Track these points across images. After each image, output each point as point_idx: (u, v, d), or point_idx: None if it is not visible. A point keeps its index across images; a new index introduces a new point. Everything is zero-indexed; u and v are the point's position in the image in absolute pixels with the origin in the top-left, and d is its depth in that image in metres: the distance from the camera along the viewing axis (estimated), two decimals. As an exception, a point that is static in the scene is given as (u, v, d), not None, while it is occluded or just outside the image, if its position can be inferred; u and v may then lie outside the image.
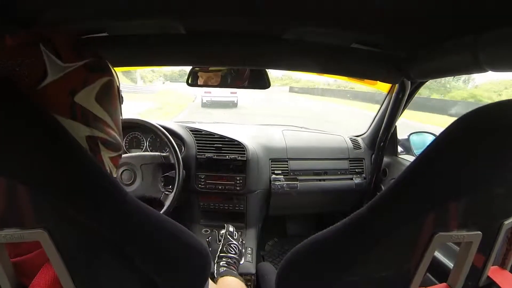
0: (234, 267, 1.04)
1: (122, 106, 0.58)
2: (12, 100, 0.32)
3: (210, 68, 1.24)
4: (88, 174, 0.35)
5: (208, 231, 1.50)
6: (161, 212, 1.29)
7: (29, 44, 0.42)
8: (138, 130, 1.53)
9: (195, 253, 0.46)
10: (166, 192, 1.33)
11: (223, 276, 0.94)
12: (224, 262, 1.04)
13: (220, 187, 1.49)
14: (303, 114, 12.12)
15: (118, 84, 0.55)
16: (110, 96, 0.50)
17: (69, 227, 0.35)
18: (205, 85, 1.27)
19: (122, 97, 0.57)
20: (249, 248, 1.41)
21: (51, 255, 0.34)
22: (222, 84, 1.26)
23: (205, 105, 13.35)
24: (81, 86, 0.44)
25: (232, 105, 13.72)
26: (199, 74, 1.25)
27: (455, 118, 0.39)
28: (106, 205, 0.36)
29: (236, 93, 13.69)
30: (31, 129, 0.32)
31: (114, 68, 0.55)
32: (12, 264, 0.38)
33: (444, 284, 0.43)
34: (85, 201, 0.34)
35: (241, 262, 1.10)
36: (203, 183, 1.49)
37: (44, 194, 0.32)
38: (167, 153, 1.33)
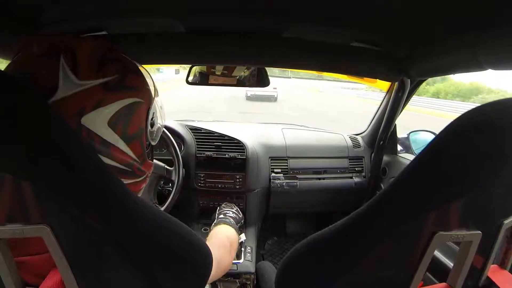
0: (232, 218, 1.00)
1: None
2: (19, 99, 0.32)
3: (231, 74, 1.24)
4: (93, 174, 0.35)
5: (207, 229, 1.49)
6: None
7: (51, 54, 0.40)
8: None
9: (198, 252, 0.46)
10: (157, 205, 1.31)
11: (216, 225, 0.92)
12: (222, 216, 1.01)
13: (219, 186, 1.49)
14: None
15: (151, 105, 0.50)
16: (131, 119, 0.45)
17: (73, 225, 0.35)
18: (205, 84, 1.27)
19: (152, 120, 0.51)
20: (249, 247, 1.41)
21: (54, 252, 0.34)
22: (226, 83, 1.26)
23: (249, 98, 14.28)
24: (93, 107, 0.41)
25: (273, 99, 14.52)
26: (213, 77, 1.24)
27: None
28: (111, 205, 0.36)
29: (276, 88, 14.80)
30: (39, 130, 0.32)
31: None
32: (22, 263, 0.38)
33: (444, 284, 0.43)
34: (89, 200, 0.34)
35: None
36: (202, 182, 1.49)
37: (48, 192, 0.32)
38: (172, 168, 1.31)
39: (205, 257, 0.48)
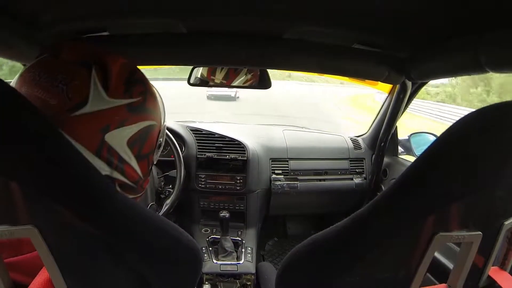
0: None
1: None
2: (6, 99, 0.31)
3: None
4: (79, 174, 0.34)
5: (208, 230, 1.50)
6: None
7: (83, 64, 0.41)
8: None
9: (187, 251, 0.46)
10: (156, 206, 1.30)
11: None
12: None
13: (220, 187, 1.49)
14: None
15: (161, 128, 0.52)
16: (145, 141, 0.48)
17: (60, 225, 0.35)
18: (206, 86, 1.27)
19: (160, 142, 0.54)
20: (249, 248, 1.41)
21: (42, 253, 0.34)
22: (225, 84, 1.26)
23: (209, 97, 14.81)
24: (117, 125, 0.42)
25: (231, 98, 15.14)
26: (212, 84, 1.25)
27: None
28: (97, 204, 0.35)
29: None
30: (25, 130, 0.31)
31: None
32: (12, 263, 0.37)
33: (444, 284, 0.43)
34: (76, 201, 0.34)
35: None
36: (203, 183, 1.49)
37: (35, 193, 0.32)
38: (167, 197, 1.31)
39: (195, 256, 0.48)
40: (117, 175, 0.45)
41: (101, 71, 0.41)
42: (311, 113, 11.99)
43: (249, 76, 1.21)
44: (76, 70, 0.41)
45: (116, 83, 0.42)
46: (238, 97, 15.61)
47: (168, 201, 1.29)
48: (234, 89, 13.84)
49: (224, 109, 11.41)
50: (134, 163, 0.46)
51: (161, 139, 0.54)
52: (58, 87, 0.39)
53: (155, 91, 0.52)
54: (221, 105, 12.89)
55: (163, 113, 0.54)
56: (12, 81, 0.43)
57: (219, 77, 1.23)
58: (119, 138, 0.43)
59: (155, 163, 0.56)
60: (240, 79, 1.22)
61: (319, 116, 11.26)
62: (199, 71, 1.24)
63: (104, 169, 0.43)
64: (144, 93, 0.46)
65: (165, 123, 0.55)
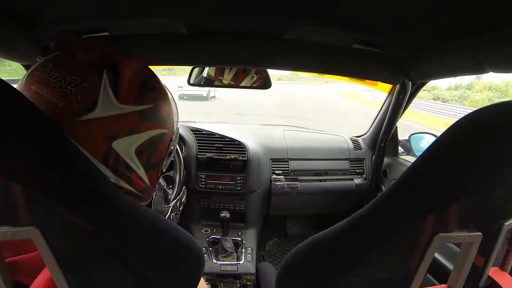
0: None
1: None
2: (7, 100, 0.31)
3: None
4: (81, 175, 0.34)
5: (208, 230, 1.50)
6: None
7: (96, 66, 0.40)
8: None
9: (186, 249, 0.46)
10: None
11: None
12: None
13: (220, 187, 1.49)
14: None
15: (173, 136, 0.50)
16: (155, 150, 0.46)
17: (62, 226, 0.35)
18: (211, 84, 1.27)
19: (170, 151, 0.51)
20: (249, 248, 1.41)
21: (44, 254, 0.34)
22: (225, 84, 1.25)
23: (181, 97, 14.44)
24: (126, 133, 0.41)
25: (203, 98, 15.12)
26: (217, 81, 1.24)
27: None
28: (98, 205, 0.35)
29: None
30: (26, 129, 0.31)
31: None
32: (13, 263, 0.37)
33: (444, 285, 0.43)
34: (77, 201, 0.34)
35: None
36: (203, 183, 1.49)
37: (37, 194, 0.32)
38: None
39: (197, 257, 0.47)
40: (123, 184, 0.44)
41: (113, 75, 0.40)
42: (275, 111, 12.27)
43: (256, 77, 1.21)
44: (87, 72, 0.39)
45: (128, 88, 0.41)
46: (213, 97, 15.76)
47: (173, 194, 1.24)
48: (207, 89, 14.16)
49: (195, 108, 11.59)
50: (142, 172, 0.45)
51: (172, 147, 0.52)
52: (67, 89, 0.38)
53: (170, 96, 0.50)
54: (192, 104, 12.96)
55: (177, 119, 0.52)
56: (22, 79, 0.42)
57: (227, 78, 1.23)
58: (127, 146, 0.41)
59: (164, 171, 0.55)
60: (248, 80, 1.22)
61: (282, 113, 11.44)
62: (206, 71, 1.24)
63: (110, 177, 0.42)
64: (157, 99, 0.45)
65: (178, 129, 0.53)
